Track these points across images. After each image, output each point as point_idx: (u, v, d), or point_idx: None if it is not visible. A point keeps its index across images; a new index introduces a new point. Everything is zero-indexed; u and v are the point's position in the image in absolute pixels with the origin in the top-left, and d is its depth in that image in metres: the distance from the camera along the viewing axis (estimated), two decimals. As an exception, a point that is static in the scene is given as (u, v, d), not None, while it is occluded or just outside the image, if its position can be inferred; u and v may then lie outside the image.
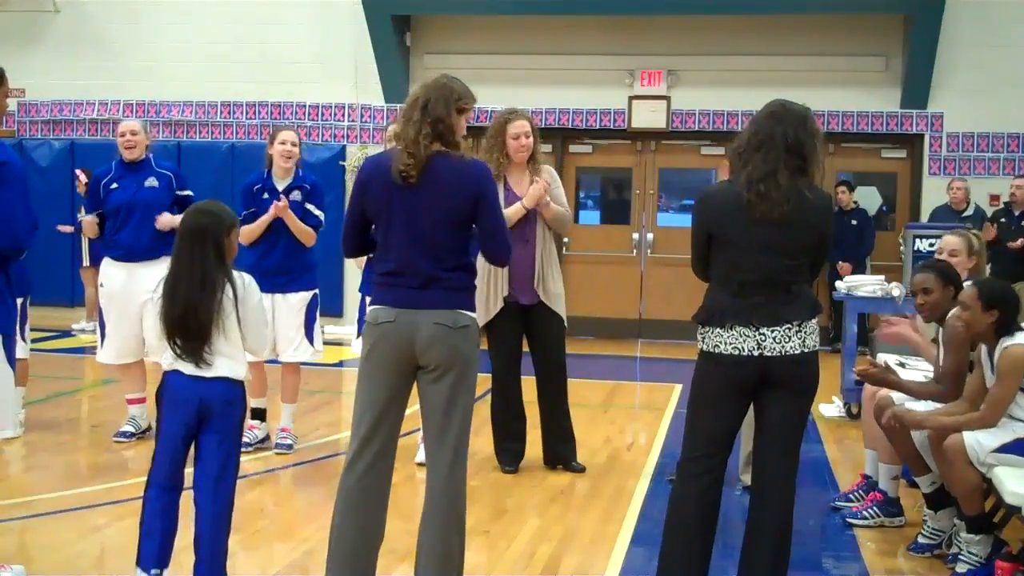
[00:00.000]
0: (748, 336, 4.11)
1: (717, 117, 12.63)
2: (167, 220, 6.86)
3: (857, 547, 5.41)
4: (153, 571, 4.36)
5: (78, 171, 12.34)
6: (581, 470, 6.56)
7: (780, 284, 4.14)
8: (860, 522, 5.69)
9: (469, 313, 4.17)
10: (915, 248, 10.48)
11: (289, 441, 6.97)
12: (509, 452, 6.59)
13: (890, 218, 13.25)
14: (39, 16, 13.98)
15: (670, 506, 4.33)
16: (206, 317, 4.17)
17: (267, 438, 7.07)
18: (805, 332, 4.14)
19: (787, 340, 4.11)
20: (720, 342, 4.16)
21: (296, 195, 6.90)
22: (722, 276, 4.22)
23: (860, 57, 12.67)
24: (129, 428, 7.15)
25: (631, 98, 13.00)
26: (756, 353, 4.11)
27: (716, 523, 4.29)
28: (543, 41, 13.06)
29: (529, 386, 6.60)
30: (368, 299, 6.60)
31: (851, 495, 6.01)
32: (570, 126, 13.16)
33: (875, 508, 5.70)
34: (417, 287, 4.10)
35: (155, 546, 4.33)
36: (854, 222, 12.31)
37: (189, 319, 4.17)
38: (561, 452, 6.63)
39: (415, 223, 4.09)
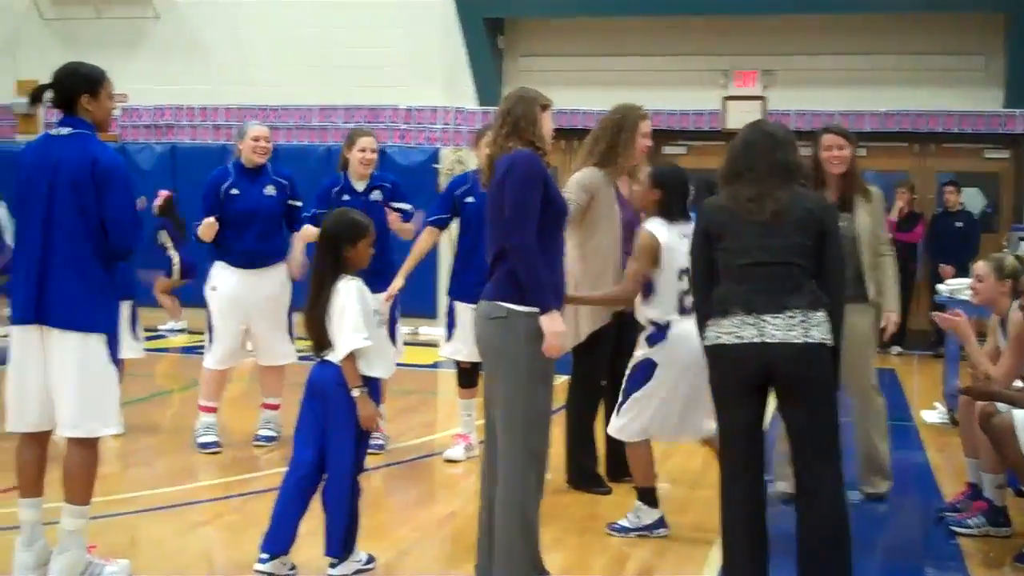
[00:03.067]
0: (749, 324, 4.08)
1: (815, 117, 12.38)
2: (308, 233, 6.75)
3: (962, 557, 5.27)
4: (262, 555, 4.56)
5: (162, 193, 12.45)
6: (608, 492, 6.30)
7: (781, 267, 4.11)
8: (965, 531, 5.53)
9: (508, 305, 4.19)
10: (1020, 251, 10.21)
11: (380, 441, 6.94)
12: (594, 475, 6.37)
13: (994, 220, 12.92)
14: (140, 23, 14.28)
15: (721, 511, 4.30)
16: (319, 315, 4.60)
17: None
18: (810, 323, 4.06)
19: (789, 328, 4.04)
20: (721, 332, 4.15)
21: (376, 195, 6.90)
22: (724, 267, 4.24)
23: (959, 56, 12.41)
24: (207, 437, 7.06)
25: (725, 99, 12.88)
26: (758, 340, 4.06)
27: (764, 518, 4.26)
28: (636, 43, 13.00)
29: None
30: (456, 303, 6.70)
31: (957, 504, 5.85)
32: (664, 127, 13.06)
33: (981, 517, 5.55)
34: (486, 279, 4.37)
35: (270, 529, 4.61)
36: (959, 224, 12.00)
37: (311, 316, 4.62)
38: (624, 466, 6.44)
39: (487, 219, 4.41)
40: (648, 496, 5.48)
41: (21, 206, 4.58)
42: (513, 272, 4.17)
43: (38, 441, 4.60)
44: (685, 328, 5.14)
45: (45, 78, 4.62)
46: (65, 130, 4.54)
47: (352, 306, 4.57)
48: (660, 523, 5.45)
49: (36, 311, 4.43)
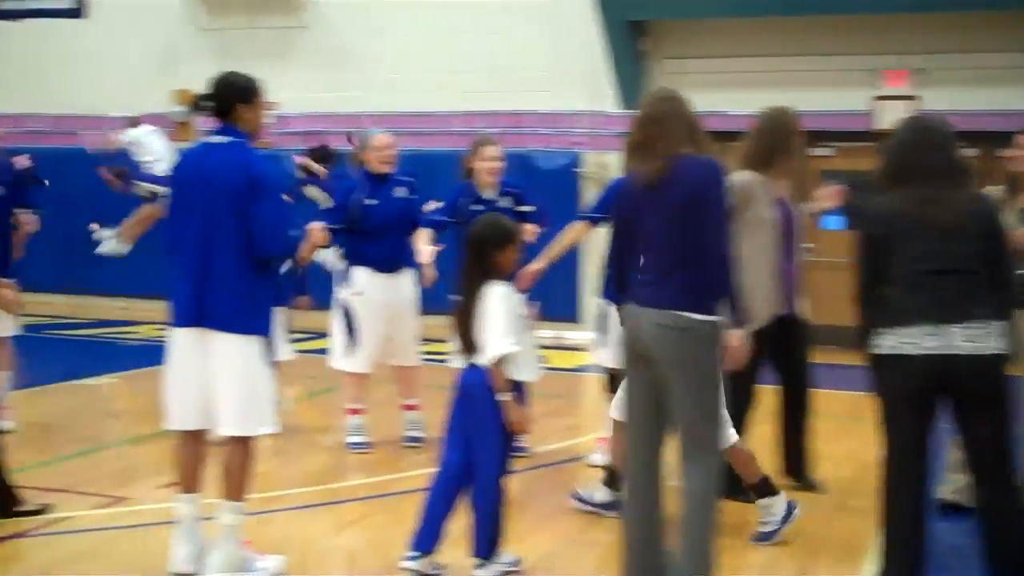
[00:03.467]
0: (931, 334, 3.95)
1: (970, 117, 11.93)
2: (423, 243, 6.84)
3: None
4: (411, 554, 4.64)
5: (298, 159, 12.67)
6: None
7: (964, 275, 3.98)
8: None
9: (691, 315, 4.10)
10: None
11: (523, 444, 6.88)
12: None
13: None
14: (289, 32, 14.63)
15: (883, 522, 4.20)
16: (468, 319, 4.67)
17: None
18: (993, 333, 3.95)
19: (974, 339, 3.91)
20: (902, 341, 4.01)
21: (506, 201, 6.88)
22: (899, 273, 4.07)
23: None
24: (358, 438, 7.23)
25: (875, 98, 12.55)
26: (941, 351, 3.93)
27: (927, 531, 4.18)
28: (782, 43, 12.77)
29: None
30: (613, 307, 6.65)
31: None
32: (811, 129, 12.77)
33: None
34: (646, 284, 4.25)
35: (418, 528, 4.69)
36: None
37: (460, 320, 4.70)
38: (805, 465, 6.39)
39: (651, 222, 4.25)
40: (764, 487, 5.40)
41: (180, 212, 4.71)
42: (699, 282, 4.12)
43: (196, 439, 4.76)
44: None
45: (198, 87, 4.77)
46: (222, 138, 4.68)
47: (499, 311, 4.63)
48: (790, 506, 5.38)
49: (197, 314, 4.58)
